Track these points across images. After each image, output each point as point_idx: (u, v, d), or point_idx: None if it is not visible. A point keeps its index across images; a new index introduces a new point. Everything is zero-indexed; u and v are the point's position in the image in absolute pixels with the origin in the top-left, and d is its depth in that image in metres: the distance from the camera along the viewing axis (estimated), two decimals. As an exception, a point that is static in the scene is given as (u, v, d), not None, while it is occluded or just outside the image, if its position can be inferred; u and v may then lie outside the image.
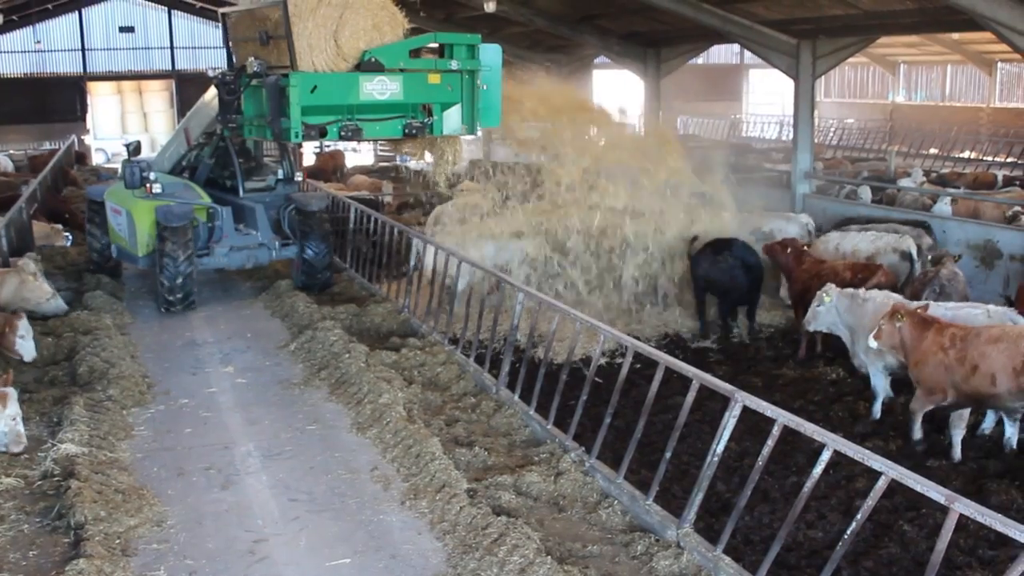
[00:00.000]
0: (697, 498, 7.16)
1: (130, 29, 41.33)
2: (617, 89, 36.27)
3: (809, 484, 6.27)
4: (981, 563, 7.19)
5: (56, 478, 8.26)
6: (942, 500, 5.47)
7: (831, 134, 39.32)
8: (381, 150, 34.01)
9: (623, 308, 14.08)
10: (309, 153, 29.84)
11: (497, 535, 7.02)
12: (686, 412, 7.50)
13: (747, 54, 40.26)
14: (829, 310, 10.58)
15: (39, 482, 8.32)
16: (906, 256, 13.28)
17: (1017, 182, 23.02)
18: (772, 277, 13.90)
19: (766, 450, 6.62)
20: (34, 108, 39.02)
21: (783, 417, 6.64)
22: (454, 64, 13.32)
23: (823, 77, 23.59)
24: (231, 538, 7.50)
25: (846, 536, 6.02)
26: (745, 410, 6.97)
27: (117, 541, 7.24)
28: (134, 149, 15.29)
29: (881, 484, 5.81)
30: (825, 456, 6.24)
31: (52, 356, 11.77)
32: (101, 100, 41.80)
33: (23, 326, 10.76)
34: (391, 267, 14.91)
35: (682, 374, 7.75)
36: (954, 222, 16.16)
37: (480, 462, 8.78)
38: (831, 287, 10.68)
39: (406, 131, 13.40)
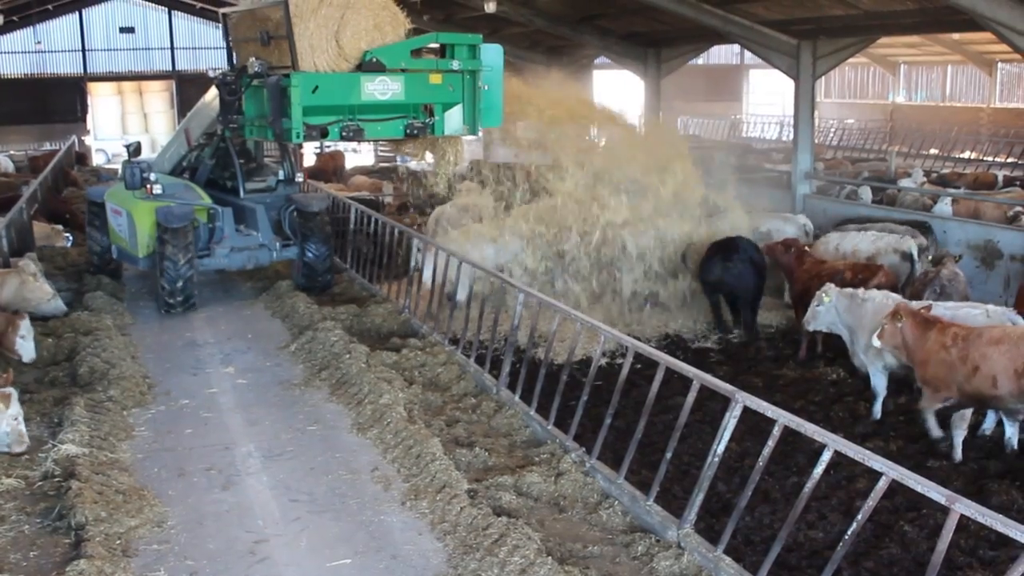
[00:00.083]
0: (698, 498, 7.16)
1: (130, 30, 41.36)
2: (617, 89, 36.24)
3: (810, 484, 6.28)
4: (982, 564, 7.19)
5: (57, 479, 8.26)
6: (943, 500, 5.47)
7: (831, 134, 39.32)
8: (381, 151, 34.00)
9: (623, 312, 14.06)
10: (309, 154, 29.85)
11: (498, 536, 7.03)
12: (687, 412, 7.51)
13: (747, 54, 40.29)
14: (828, 310, 10.59)
15: (40, 483, 8.33)
16: (907, 256, 13.29)
17: (1018, 182, 23.03)
18: (772, 277, 13.90)
19: (767, 450, 6.63)
20: (34, 109, 39.07)
21: (784, 417, 6.65)
22: (456, 64, 13.31)
23: (823, 77, 23.58)
24: (232, 539, 7.51)
25: (847, 536, 6.02)
26: (746, 410, 6.98)
27: (118, 542, 7.24)
28: (134, 150, 15.30)
29: (882, 484, 5.81)
30: (826, 456, 6.24)
31: (53, 357, 11.77)
32: (101, 101, 41.80)
33: (25, 326, 10.77)
34: (391, 268, 14.91)
35: (683, 374, 7.75)
36: (955, 222, 16.15)
37: (481, 463, 8.79)
38: (830, 287, 10.69)
39: (407, 131, 13.38)
